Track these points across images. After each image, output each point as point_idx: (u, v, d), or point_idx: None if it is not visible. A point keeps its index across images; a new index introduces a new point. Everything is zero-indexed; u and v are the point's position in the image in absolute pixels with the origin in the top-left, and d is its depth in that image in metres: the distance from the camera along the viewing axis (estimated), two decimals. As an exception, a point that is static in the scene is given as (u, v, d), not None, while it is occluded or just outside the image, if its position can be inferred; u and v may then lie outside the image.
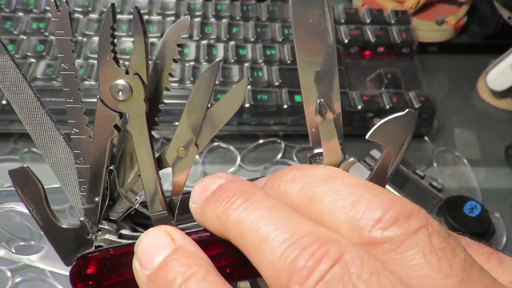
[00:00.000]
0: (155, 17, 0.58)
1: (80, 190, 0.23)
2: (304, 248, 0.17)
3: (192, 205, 0.21)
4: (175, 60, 0.22)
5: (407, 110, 0.20)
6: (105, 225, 0.24)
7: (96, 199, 0.23)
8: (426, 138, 0.57)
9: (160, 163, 0.23)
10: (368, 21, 0.61)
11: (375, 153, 0.52)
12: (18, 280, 0.42)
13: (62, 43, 0.20)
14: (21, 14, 0.56)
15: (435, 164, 0.56)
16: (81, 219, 0.24)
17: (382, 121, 0.20)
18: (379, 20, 0.61)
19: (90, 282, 0.22)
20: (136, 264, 0.20)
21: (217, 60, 0.21)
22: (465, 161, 0.56)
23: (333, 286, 0.16)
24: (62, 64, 0.20)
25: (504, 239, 0.49)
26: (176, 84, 0.52)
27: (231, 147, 0.54)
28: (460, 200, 0.48)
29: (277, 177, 0.20)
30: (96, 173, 0.22)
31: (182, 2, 0.59)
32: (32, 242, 0.41)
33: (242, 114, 0.52)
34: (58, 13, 0.19)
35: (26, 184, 0.22)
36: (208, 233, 0.21)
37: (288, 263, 0.17)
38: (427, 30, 0.67)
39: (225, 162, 0.53)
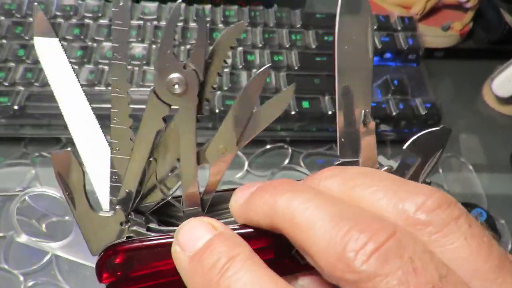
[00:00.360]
0: (164, 23, 0.58)
1: (111, 180, 0.23)
2: (358, 222, 0.17)
3: (234, 204, 0.22)
4: (225, 61, 0.22)
5: (442, 125, 0.22)
6: (134, 217, 0.24)
7: (130, 190, 0.23)
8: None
9: (198, 159, 0.23)
10: (374, 27, 0.61)
11: (381, 159, 0.53)
12: (30, 284, 0.43)
13: (118, 33, 0.20)
14: (32, 19, 0.57)
15: (440, 170, 0.56)
16: (118, 207, 0.23)
17: (419, 134, 0.22)
18: (385, 26, 0.62)
19: (119, 273, 0.22)
20: (176, 248, 0.21)
21: (267, 65, 0.21)
22: (470, 167, 0.57)
23: (390, 257, 0.16)
24: (115, 54, 0.21)
25: (510, 246, 0.50)
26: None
27: (239, 152, 0.54)
28: (466, 207, 0.48)
29: (315, 175, 0.21)
30: (137, 163, 0.22)
31: (190, 8, 0.60)
32: (67, 218, 0.40)
33: (250, 120, 0.52)
34: (120, 3, 0.20)
35: (67, 168, 0.22)
36: (245, 229, 0.22)
37: (343, 233, 0.17)
38: (433, 35, 0.67)
39: (233, 167, 0.53)
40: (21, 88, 0.51)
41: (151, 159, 0.23)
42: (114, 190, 0.23)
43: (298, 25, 0.60)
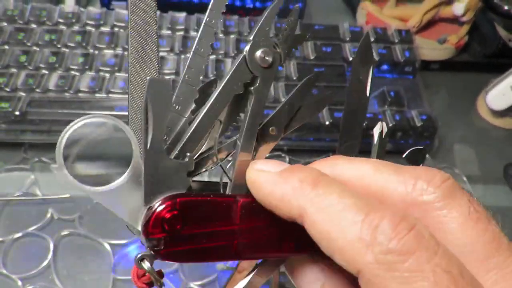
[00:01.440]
0: (165, 32, 0.59)
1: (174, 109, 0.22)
2: (384, 208, 0.19)
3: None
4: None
5: (422, 147, 0.28)
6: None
7: (191, 145, 0.23)
8: (427, 155, 0.59)
9: None
10: (372, 39, 0.62)
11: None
12: (28, 288, 0.43)
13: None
14: (34, 25, 0.57)
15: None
16: (188, 154, 0.22)
17: (411, 148, 0.27)
18: (383, 39, 0.63)
19: (172, 227, 0.21)
20: (256, 171, 0.22)
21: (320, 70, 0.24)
22: (464, 178, 0.58)
23: (421, 236, 0.18)
24: (207, 18, 0.22)
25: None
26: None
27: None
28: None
29: (325, 162, 0.23)
30: (204, 120, 0.22)
31: (191, 17, 0.61)
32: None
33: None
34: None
35: (159, 98, 0.21)
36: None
37: (371, 218, 0.18)
38: (429, 48, 0.68)
39: (231, 175, 0.54)
40: (23, 94, 0.52)
41: (217, 119, 0.23)
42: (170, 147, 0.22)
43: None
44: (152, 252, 0.21)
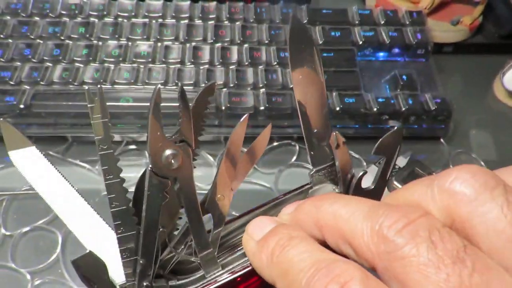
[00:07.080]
0: (169, 21, 0.58)
1: (122, 257, 0.23)
2: (389, 206, 0.19)
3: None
4: (204, 121, 0.25)
5: (396, 127, 0.25)
6: (156, 285, 0.25)
7: (147, 261, 0.24)
8: (442, 140, 0.57)
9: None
10: (382, 22, 0.60)
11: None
12: (37, 282, 0.43)
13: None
14: (37, 18, 0.57)
15: (451, 166, 0.55)
16: (128, 284, 0.24)
17: (380, 139, 0.25)
18: (393, 21, 0.61)
19: None
20: (246, 237, 0.24)
21: (245, 115, 0.23)
22: (482, 163, 0.56)
23: (420, 229, 0.18)
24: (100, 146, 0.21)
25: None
26: (191, 87, 0.52)
27: (245, 150, 0.53)
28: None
29: (317, 202, 0.23)
30: (149, 237, 0.23)
31: (196, 5, 0.59)
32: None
33: (257, 117, 0.52)
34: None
35: (92, 269, 0.26)
36: None
37: (378, 215, 0.19)
38: (442, 30, 0.66)
39: (240, 165, 0.53)
40: (27, 87, 0.51)
41: (160, 229, 0.23)
42: (128, 264, 0.24)
43: (304, 21, 0.60)
44: None
